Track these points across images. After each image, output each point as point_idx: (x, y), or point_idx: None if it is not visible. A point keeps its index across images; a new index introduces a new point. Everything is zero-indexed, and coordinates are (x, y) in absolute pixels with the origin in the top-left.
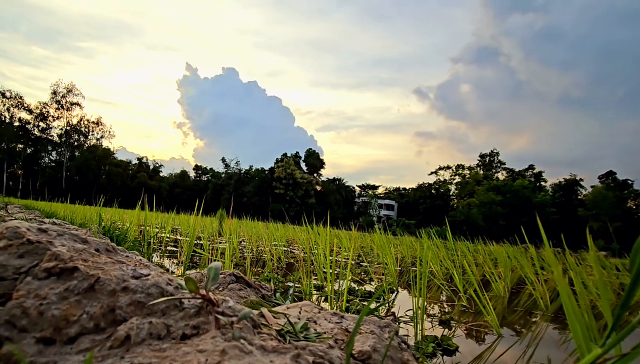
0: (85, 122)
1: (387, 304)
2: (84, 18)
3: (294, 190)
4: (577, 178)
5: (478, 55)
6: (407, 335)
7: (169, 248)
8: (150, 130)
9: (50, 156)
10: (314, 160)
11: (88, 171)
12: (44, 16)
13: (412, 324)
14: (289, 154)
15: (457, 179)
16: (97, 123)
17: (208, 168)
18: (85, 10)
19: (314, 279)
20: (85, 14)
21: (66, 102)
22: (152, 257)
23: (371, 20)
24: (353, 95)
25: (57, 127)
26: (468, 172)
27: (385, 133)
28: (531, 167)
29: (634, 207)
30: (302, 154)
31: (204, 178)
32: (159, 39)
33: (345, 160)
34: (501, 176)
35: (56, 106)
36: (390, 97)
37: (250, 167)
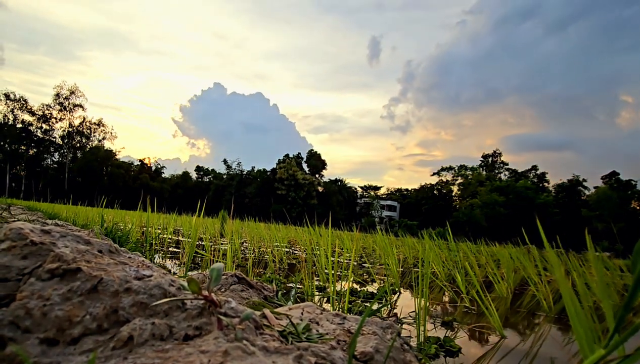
0: (87, 124)
1: (389, 306)
2: (77, 26)
3: (295, 191)
4: (581, 179)
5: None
6: (410, 336)
7: (170, 249)
8: (150, 133)
9: (53, 158)
10: (316, 161)
11: (90, 173)
12: (36, 23)
13: (415, 325)
14: (290, 156)
15: (460, 179)
16: (99, 124)
17: (210, 169)
18: (76, 19)
19: (316, 280)
20: (76, 22)
21: (69, 103)
22: (154, 259)
23: (353, 26)
24: (342, 98)
25: (59, 129)
26: (470, 173)
27: (373, 135)
28: (534, 168)
29: (638, 207)
30: (304, 155)
31: (206, 179)
32: (150, 45)
33: (337, 161)
34: (504, 176)
35: (59, 107)
36: (375, 99)
37: (252, 168)
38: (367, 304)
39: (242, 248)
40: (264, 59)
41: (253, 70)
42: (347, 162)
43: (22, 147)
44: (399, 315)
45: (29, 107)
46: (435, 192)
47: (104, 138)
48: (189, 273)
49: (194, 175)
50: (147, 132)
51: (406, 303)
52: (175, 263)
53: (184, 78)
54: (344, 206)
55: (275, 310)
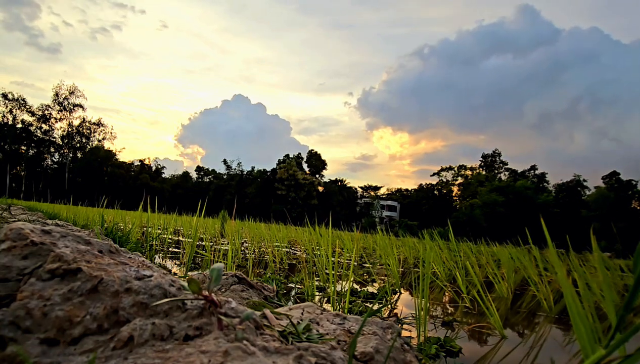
0: (87, 124)
1: (389, 306)
2: (66, 30)
3: (296, 191)
4: (581, 179)
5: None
6: (410, 336)
7: (171, 249)
8: (148, 136)
9: (53, 158)
10: (316, 161)
11: (90, 173)
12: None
13: (415, 325)
14: (290, 156)
15: (460, 179)
16: (98, 124)
17: (210, 169)
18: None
19: (317, 280)
20: (67, 26)
21: (68, 103)
22: (154, 259)
23: (334, 30)
24: (329, 99)
25: (59, 129)
26: (470, 173)
27: (351, 139)
28: (533, 168)
29: (639, 207)
30: (304, 155)
31: (206, 179)
32: (141, 50)
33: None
34: (504, 176)
35: (58, 107)
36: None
37: (252, 168)
38: (368, 304)
39: (243, 248)
40: (253, 64)
41: (242, 75)
42: (335, 162)
43: (22, 147)
44: (399, 315)
45: (27, 106)
46: (435, 192)
47: (103, 138)
48: (189, 273)
49: (194, 175)
50: (145, 134)
51: (407, 303)
52: (175, 263)
53: (178, 82)
54: (344, 206)
55: (276, 310)
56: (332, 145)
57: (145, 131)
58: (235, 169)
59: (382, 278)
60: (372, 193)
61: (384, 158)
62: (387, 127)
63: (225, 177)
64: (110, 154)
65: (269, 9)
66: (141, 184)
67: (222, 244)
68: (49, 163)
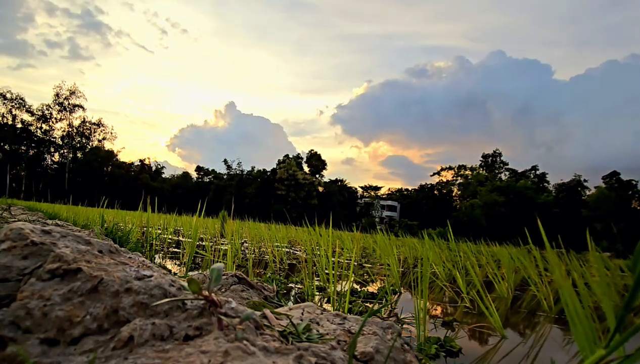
0: (87, 124)
1: (389, 306)
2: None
3: (296, 191)
4: (582, 179)
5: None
6: (410, 336)
7: (171, 249)
8: (146, 137)
9: (53, 158)
10: (316, 161)
11: (91, 173)
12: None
13: (415, 325)
14: (290, 156)
15: (460, 179)
16: (99, 124)
17: (210, 169)
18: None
19: (317, 280)
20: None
21: (69, 104)
22: (154, 259)
23: (323, 34)
24: (319, 100)
25: (59, 129)
26: (470, 173)
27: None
28: (534, 168)
29: (639, 207)
30: (304, 156)
31: (206, 179)
32: (134, 51)
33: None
34: (504, 176)
35: (58, 108)
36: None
37: (252, 168)
38: (368, 304)
39: (243, 248)
40: (244, 67)
41: (234, 78)
42: (330, 164)
43: (22, 147)
44: (399, 315)
45: (27, 106)
46: (435, 192)
47: (104, 138)
48: (190, 273)
49: (194, 175)
50: (143, 135)
51: (406, 303)
52: (175, 263)
53: (174, 85)
54: (344, 206)
55: (276, 310)
56: (325, 146)
57: (142, 132)
58: (235, 169)
59: (382, 278)
60: (372, 193)
61: (364, 161)
62: (354, 137)
63: (225, 177)
64: (111, 154)
65: (257, 16)
66: (141, 184)
67: (222, 244)
68: (49, 163)
